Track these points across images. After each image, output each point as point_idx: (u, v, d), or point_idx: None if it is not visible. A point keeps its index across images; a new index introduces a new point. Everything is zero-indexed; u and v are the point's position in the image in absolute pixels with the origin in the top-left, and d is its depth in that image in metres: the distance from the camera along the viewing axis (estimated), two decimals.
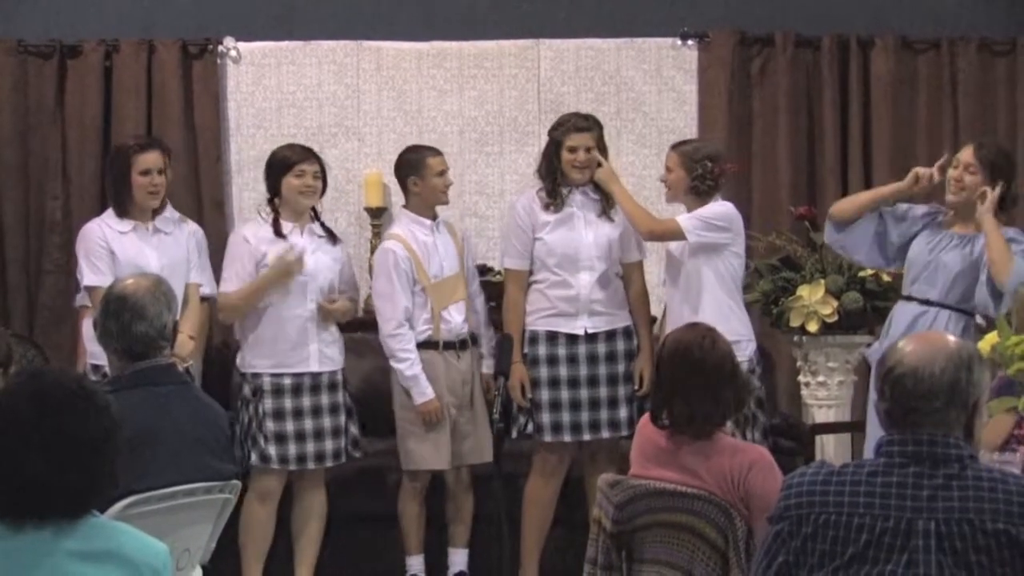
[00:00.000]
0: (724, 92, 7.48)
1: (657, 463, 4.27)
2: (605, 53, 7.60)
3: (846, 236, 6.02)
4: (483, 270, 7.01)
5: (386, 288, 6.21)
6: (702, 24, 7.55)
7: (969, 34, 7.54)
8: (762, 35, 7.56)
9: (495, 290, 6.65)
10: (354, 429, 6.28)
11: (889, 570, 3.12)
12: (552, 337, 6.24)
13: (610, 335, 6.25)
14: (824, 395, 6.75)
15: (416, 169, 6.31)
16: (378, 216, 7.44)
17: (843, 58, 7.51)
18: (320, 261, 6.25)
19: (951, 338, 3.34)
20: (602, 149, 6.27)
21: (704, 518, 4.09)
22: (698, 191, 6.11)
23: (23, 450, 2.86)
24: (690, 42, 7.56)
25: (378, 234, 7.25)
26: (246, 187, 7.50)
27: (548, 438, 6.24)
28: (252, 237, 6.22)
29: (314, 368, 6.18)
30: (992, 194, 5.70)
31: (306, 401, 6.15)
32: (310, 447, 6.16)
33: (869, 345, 6.34)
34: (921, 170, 5.90)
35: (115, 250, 6.04)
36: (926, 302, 5.83)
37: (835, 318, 6.53)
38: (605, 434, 6.24)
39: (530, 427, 6.26)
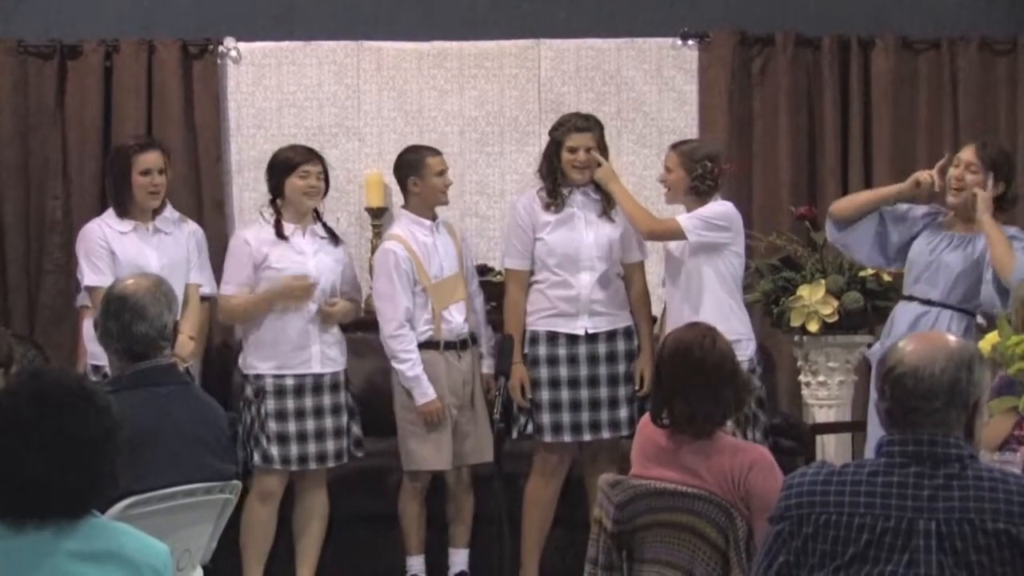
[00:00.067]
0: (724, 92, 7.48)
1: (658, 463, 4.27)
2: (605, 53, 7.60)
3: (847, 235, 6.02)
4: (484, 270, 7.02)
5: (387, 289, 6.21)
6: (702, 24, 7.55)
7: (969, 34, 7.54)
8: (762, 35, 7.56)
9: (496, 290, 6.65)
10: (356, 429, 6.28)
11: (890, 570, 3.12)
12: (552, 337, 6.24)
13: (611, 335, 6.25)
14: (825, 395, 6.75)
15: (416, 169, 6.31)
16: (379, 216, 7.44)
17: (843, 58, 7.51)
18: (322, 262, 6.24)
19: (951, 338, 3.35)
20: (603, 149, 6.26)
21: (705, 518, 4.09)
22: (698, 191, 6.11)
23: (23, 450, 2.86)
24: (690, 42, 7.56)
25: (379, 234, 7.24)
26: (246, 187, 7.50)
27: (548, 438, 6.24)
28: (253, 239, 6.21)
29: (316, 369, 6.18)
30: (984, 193, 5.70)
31: (308, 402, 6.15)
32: (312, 447, 6.16)
33: (870, 345, 6.34)
34: (922, 176, 5.89)
35: (115, 250, 6.04)
36: (928, 302, 5.83)
37: (836, 318, 6.53)
38: (605, 434, 6.24)
39: (530, 427, 6.26)
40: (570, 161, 6.21)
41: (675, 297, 6.14)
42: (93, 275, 6.01)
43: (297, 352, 6.16)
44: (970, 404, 3.21)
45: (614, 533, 4.20)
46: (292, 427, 6.13)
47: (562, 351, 6.23)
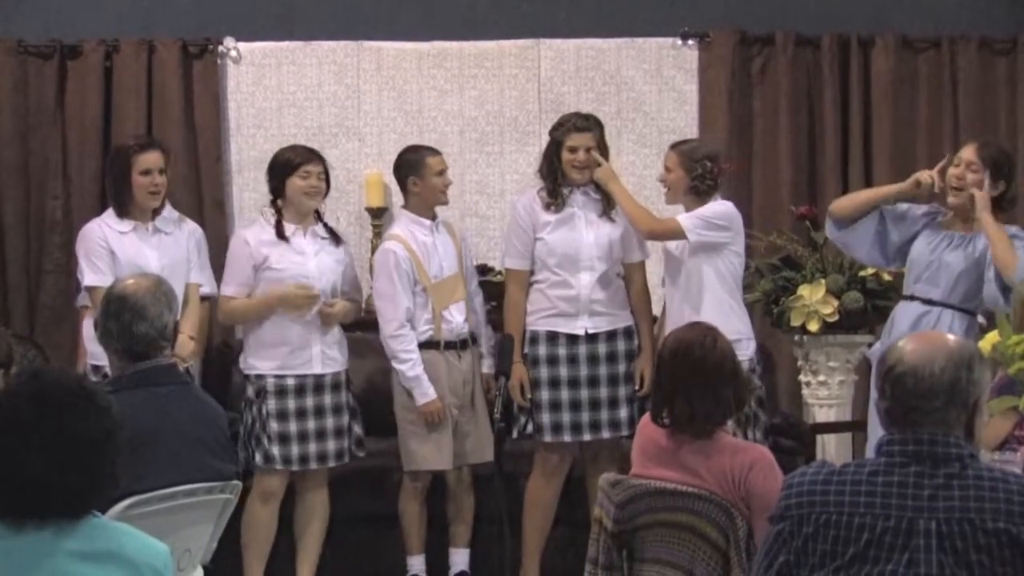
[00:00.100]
0: (724, 92, 7.49)
1: (658, 462, 4.27)
2: (605, 53, 7.60)
3: (847, 234, 6.02)
4: (484, 270, 7.02)
5: (387, 289, 6.21)
6: (702, 24, 7.55)
7: (969, 33, 7.54)
8: (762, 35, 7.56)
9: (496, 290, 6.65)
10: (358, 429, 6.28)
11: (890, 570, 3.12)
12: (552, 337, 6.23)
13: (611, 335, 6.25)
14: (825, 394, 6.75)
15: (415, 169, 6.31)
16: (379, 216, 7.44)
17: (843, 57, 7.52)
18: (323, 263, 6.24)
19: (951, 337, 3.35)
20: (603, 149, 6.26)
21: (705, 517, 4.09)
22: (698, 191, 6.11)
23: (24, 450, 2.86)
24: (690, 42, 7.57)
25: (379, 234, 7.25)
26: (246, 187, 7.51)
27: (548, 438, 6.24)
28: (253, 240, 6.21)
29: (317, 370, 6.18)
30: (981, 193, 5.70)
31: (309, 401, 6.16)
32: (313, 447, 6.16)
33: (870, 345, 6.34)
34: (923, 177, 5.88)
35: (115, 250, 6.04)
36: (929, 302, 5.83)
37: (836, 317, 6.53)
38: (605, 434, 6.24)
39: (530, 427, 6.25)
40: (570, 161, 6.21)
41: (675, 297, 6.14)
42: (93, 275, 6.01)
43: (298, 352, 6.16)
44: (970, 403, 3.21)
45: (614, 533, 4.20)
46: (293, 427, 6.13)
47: (562, 351, 6.23)
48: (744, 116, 7.54)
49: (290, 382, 6.15)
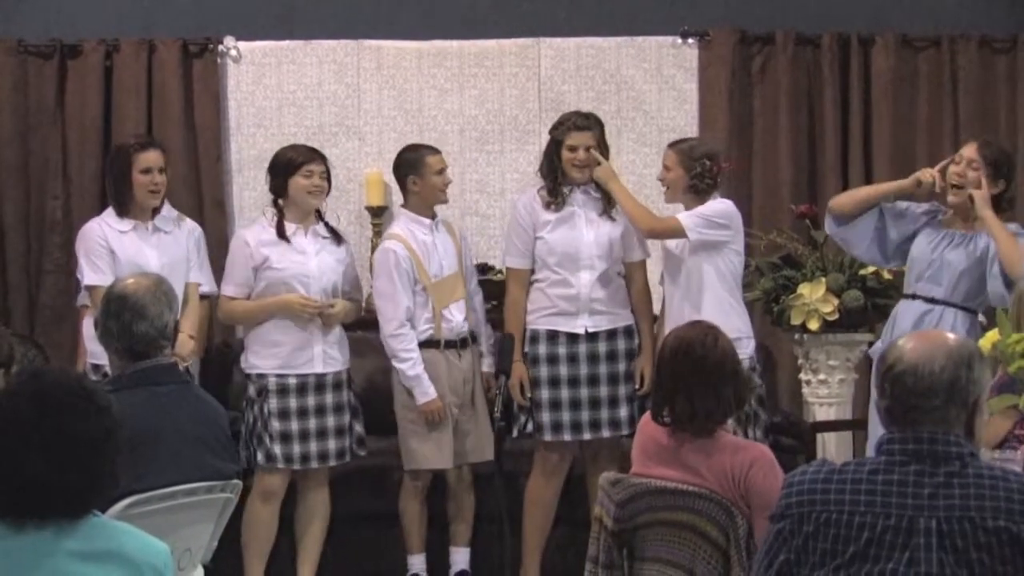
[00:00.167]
0: (725, 91, 7.49)
1: (658, 461, 4.27)
2: (606, 52, 7.60)
3: (846, 231, 6.02)
4: (484, 269, 7.02)
5: (387, 288, 6.20)
6: (702, 23, 7.55)
7: (969, 32, 7.54)
8: (762, 33, 7.56)
9: (496, 289, 6.65)
10: (359, 428, 6.28)
11: (890, 568, 3.12)
12: (552, 336, 6.24)
13: (611, 334, 6.25)
14: (825, 393, 6.75)
15: (415, 168, 6.30)
16: (379, 215, 7.44)
17: (844, 56, 7.52)
18: (324, 262, 6.24)
19: (951, 336, 3.35)
20: (603, 148, 6.26)
21: (705, 516, 4.09)
22: (697, 189, 6.11)
23: (24, 450, 2.86)
24: (690, 40, 7.56)
25: (379, 233, 7.24)
26: (246, 186, 7.51)
27: (548, 437, 6.24)
28: (252, 240, 6.21)
29: (319, 369, 6.18)
30: (980, 192, 5.70)
31: (311, 400, 6.16)
32: (314, 446, 6.16)
33: (871, 344, 6.33)
34: (924, 176, 5.88)
35: (115, 249, 6.05)
36: (931, 300, 5.82)
37: (836, 316, 6.53)
38: (605, 433, 6.24)
39: (531, 426, 6.25)
40: (570, 160, 6.21)
41: (675, 295, 6.14)
42: (93, 274, 6.02)
43: (300, 352, 6.16)
44: (970, 402, 3.21)
45: (615, 531, 4.20)
46: (295, 426, 6.13)
47: (562, 350, 6.23)
48: (744, 115, 7.54)
49: (292, 381, 6.15)
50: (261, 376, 6.17)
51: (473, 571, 6.42)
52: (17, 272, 7.42)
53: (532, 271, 6.29)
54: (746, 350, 5.91)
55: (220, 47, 7.50)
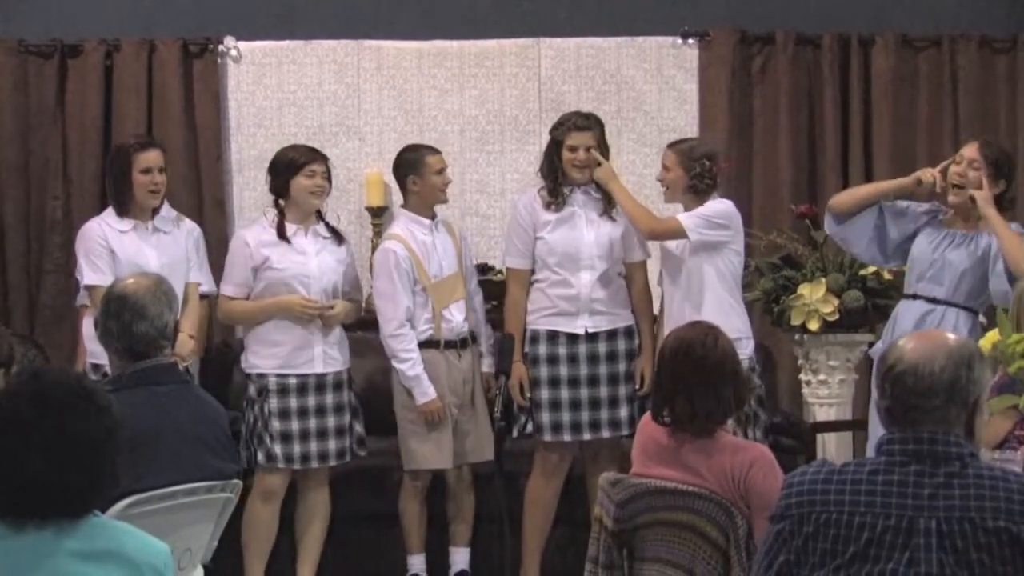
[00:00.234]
0: (725, 91, 7.49)
1: (658, 461, 4.27)
2: (606, 52, 7.60)
3: (846, 229, 6.02)
4: (484, 269, 7.02)
5: (387, 288, 6.20)
6: (703, 23, 7.55)
7: (970, 31, 7.54)
8: (763, 34, 7.56)
9: (497, 289, 6.65)
10: (359, 428, 6.28)
11: (890, 568, 3.12)
12: (553, 336, 6.24)
13: (611, 334, 6.25)
14: (825, 393, 6.74)
15: (415, 168, 6.30)
16: (379, 215, 7.44)
17: (844, 56, 7.52)
18: (324, 262, 6.24)
19: (951, 336, 3.34)
20: (603, 148, 6.26)
21: (705, 516, 4.09)
22: (696, 190, 6.11)
23: (24, 450, 2.86)
24: (691, 41, 7.56)
25: (379, 233, 7.25)
26: (247, 186, 7.51)
27: (548, 437, 6.24)
28: (252, 241, 6.21)
29: (319, 369, 6.18)
30: (982, 192, 5.70)
31: (311, 400, 6.16)
32: (314, 446, 6.16)
33: (871, 344, 6.33)
34: (925, 176, 5.88)
35: (115, 249, 6.05)
36: (933, 300, 5.82)
37: (836, 316, 6.53)
38: (605, 433, 6.24)
39: (530, 426, 6.26)
40: (570, 160, 6.21)
41: (675, 296, 6.14)
42: (93, 274, 6.02)
43: (300, 352, 6.16)
44: (970, 402, 3.21)
45: (615, 532, 4.20)
46: (295, 426, 6.13)
47: (562, 350, 6.23)
48: (744, 115, 7.54)
49: (292, 381, 6.15)
50: (261, 376, 6.17)
51: (473, 571, 6.42)
52: (17, 272, 7.42)
53: (532, 271, 6.29)
54: (746, 350, 5.91)
55: (220, 47, 7.50)
